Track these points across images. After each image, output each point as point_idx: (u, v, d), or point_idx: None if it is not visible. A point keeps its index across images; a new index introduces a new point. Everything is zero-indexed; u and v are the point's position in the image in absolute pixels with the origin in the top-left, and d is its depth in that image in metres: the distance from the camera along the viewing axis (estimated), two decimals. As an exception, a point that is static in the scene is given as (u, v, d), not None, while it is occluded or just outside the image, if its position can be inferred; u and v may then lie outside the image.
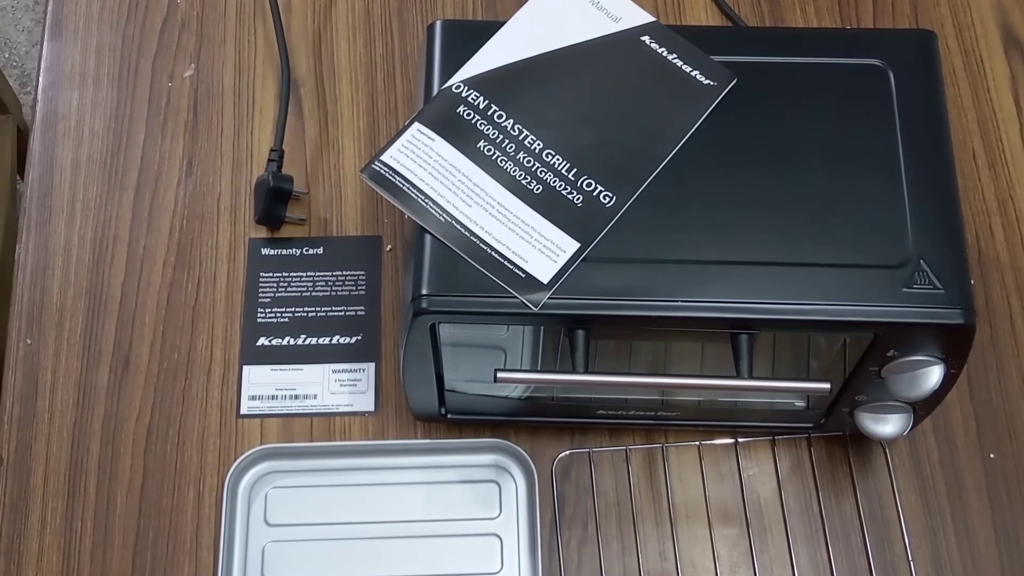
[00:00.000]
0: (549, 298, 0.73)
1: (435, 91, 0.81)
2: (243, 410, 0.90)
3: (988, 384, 0.91)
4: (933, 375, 0.76)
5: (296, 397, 0.91)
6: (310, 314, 0.93)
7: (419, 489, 0.88)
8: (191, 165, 0.99)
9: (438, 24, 0.83)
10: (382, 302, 0.94)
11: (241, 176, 0.98)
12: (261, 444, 0.89)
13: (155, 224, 0.96)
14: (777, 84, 0.80)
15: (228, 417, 0.90)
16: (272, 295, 0.94)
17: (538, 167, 0.78)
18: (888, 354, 0.76)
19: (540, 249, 0.75)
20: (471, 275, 0.74)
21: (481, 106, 0.80)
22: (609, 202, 0.76)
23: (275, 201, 0.95)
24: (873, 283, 0.73)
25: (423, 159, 0.78)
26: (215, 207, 0.97)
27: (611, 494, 0.88)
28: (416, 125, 0.80)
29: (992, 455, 0.89)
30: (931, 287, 0.73)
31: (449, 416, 0.88)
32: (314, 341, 0.93)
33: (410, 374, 0.82)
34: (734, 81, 0.80)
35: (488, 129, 0.79)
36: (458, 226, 0.76)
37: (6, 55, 1.97)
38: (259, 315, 0.93)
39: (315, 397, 0.91)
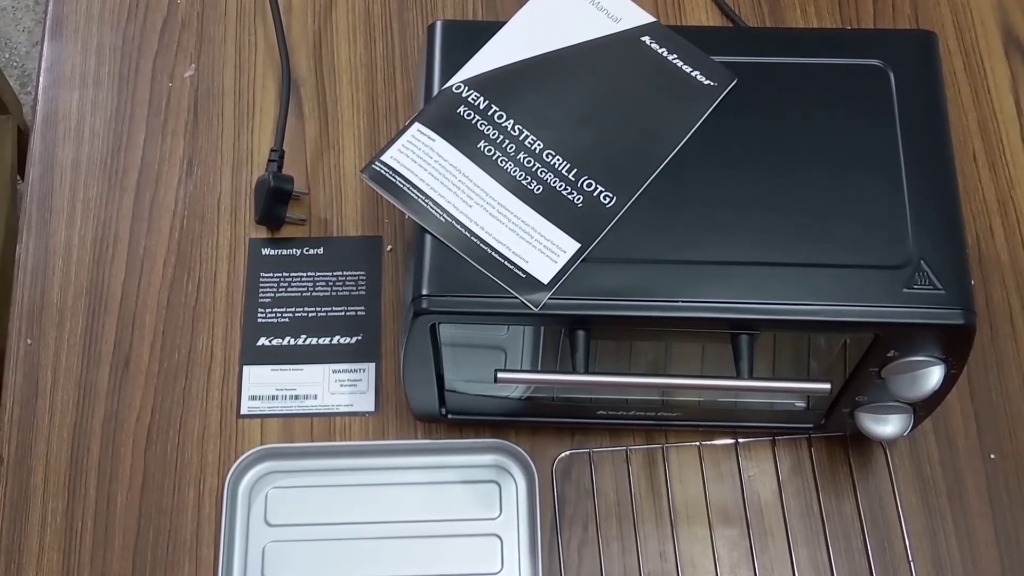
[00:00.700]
0: (549, 298, 0.73)
1: (435, 91, 0.81)
2: (243, 410, 0.90)
3: (988, 384, 0.91)
4: (933, 376, 0.76)
5: (296, 397, 0.91)
6: (310, 314, 0.93)
7: (419, 489, 0.88)
8: (191, 165, 0.99)
9: (438, 24, 0.83)
10: (382, 302, 0.94)
11: (241, 176, 0.98)
12: (261, 444, 0.89)
13: (155, 224, 0.96)
14: (777, 84, 0.80)
15: (228, 417, 0.90)
16: (272, 295, 0.94)
17: (538, 167, 0.78)
18: (888, 354, 0.76)
19: (540, 249, 0.75)
20: (471, 275, 0.74)
21: (481, 106, 0.80)
22: (609, 202, 0.76)
23: (275, 201, 0.95)
24: (873, 283, 0.73)
25: (423, 159, 0.78)
26: (215, 207, 0.97)
27: (611, 494, 0.88)
28: (416, 125, 0.80)
29: (992, 455, 0.89)
30: (931, 287, 0.73)
31: (449, 416, 0.88)
32: (314, 341, 0.93)
33: (410, 374, 0.82)
34: (734, 81, 0.80)
35: (488, 129, 0.79)
36: (458, 226, 0.76)
37: (6, 55, 1.97)
38: (259, 315, 0.93)
39: (315, 397, 0.91)
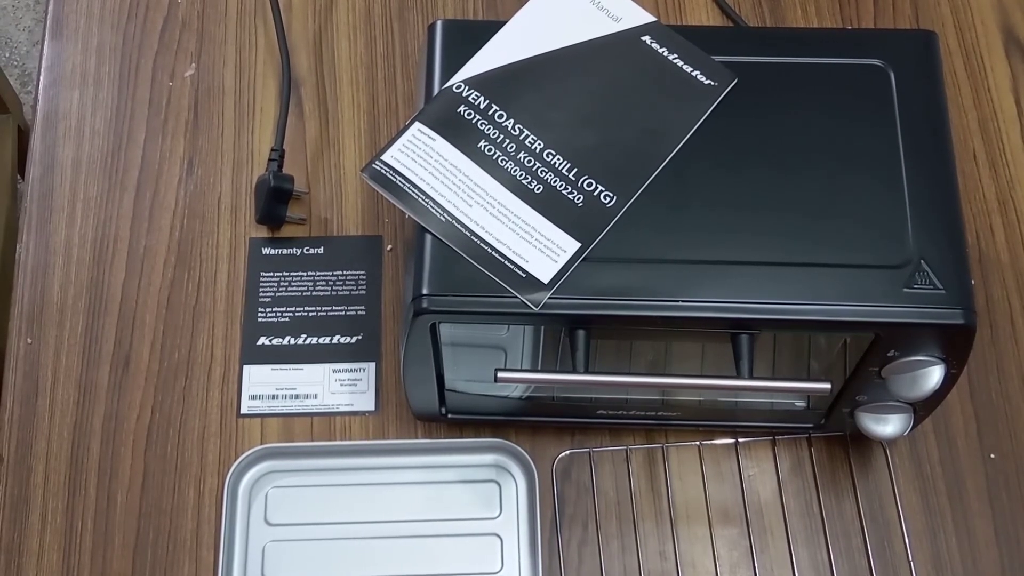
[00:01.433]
0: (549, 298, 0.73)
1: (436, 91, 0.81)
2: (243, 410, 0.90)
3: (988, 384, 0.91)
4: (933, 375, 0.76)
5: (296, 397, 0.91)
6: (310, 314, 0.93)
7: (419, 489, 0.88)
8: (192, 165, 0.99)
9: (439, 24, 0.83)
10: (382, 302, 0.94)
11: (242, 176, 0.98)
12: (261, 444, 0.89)
13: (155, 224, 0.96)
14: (777, 84, 0.80)
15: (228, 417, 0.90)
16: (272, 295, 0.94)
17: (539, 167, 0.78)
18: (888, 354, 0.76)
19: (540, 249, 0.75)
20: (471, 275, 0.74)
21: (482, 106, 0.80)
22: (610, 202, 0.76)
23: (276, 201, 0.95)
24: (873, 283, 0.73)
25: (424, 159, 0.78)
26: (215, 207, 0.97)
27: (611, 494, 0.88)
28: (417, 125, 0.80)
29: (992, 455, 0.89)
30: (931, 287, 0.73)
31: (449, 416, 0.88)
32: (314, 341, 0.93)
33: (410, 374, 0.82)
34: (735, 81, 0.80)
35: (489, 129, 0.79)
36: (459, 226, 0.76)
37: (7, 54, 1.97)
38: (259, 315, 0.93)
39: (315, 397, 0.91)
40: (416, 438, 0.90)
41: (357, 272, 0.95)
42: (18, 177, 1.50)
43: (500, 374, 0.74)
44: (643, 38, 0.82)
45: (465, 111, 0.79)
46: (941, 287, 0.73)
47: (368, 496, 0.88)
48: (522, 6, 0.84)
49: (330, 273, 0.95)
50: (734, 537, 0.87)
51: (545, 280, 0.74)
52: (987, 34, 1.04)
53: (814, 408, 0.86)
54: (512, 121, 0.79)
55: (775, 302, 0.73)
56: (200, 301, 0.94)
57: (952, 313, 0.73)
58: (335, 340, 0.93)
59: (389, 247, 0.96)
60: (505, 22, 0.83)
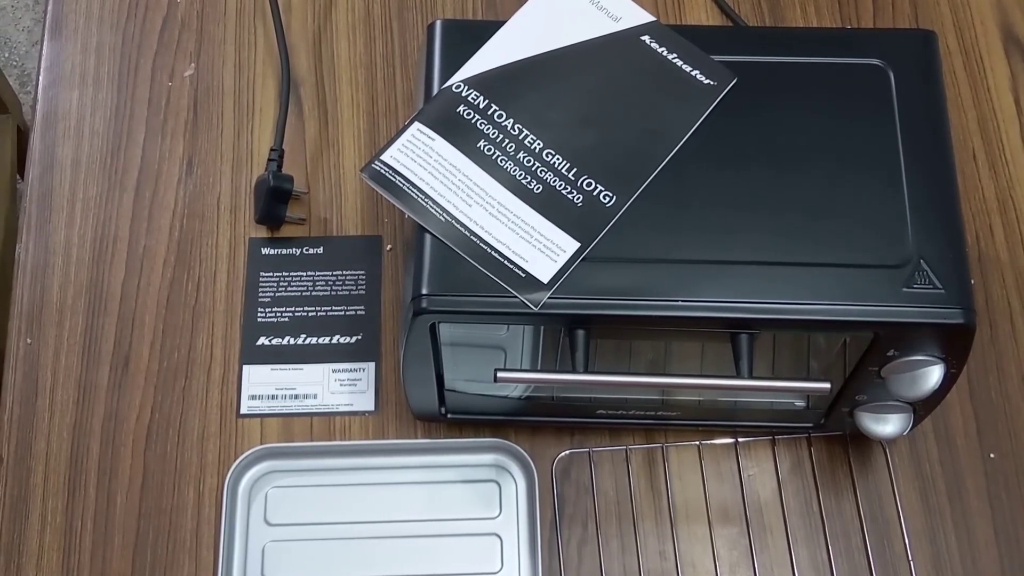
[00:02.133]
0: (549, 298, 0.73)
1: (435, 91, 0.81)
2: (243, 410, 0.90)
3: (988, 384, 0.91)
4: (933, 375, 0.76)
5: (296, 397, 0.91)
6: (310, 314, 0.93)
7: (419, 489, 0.88)
8: (191, 165, 0.99)
9: (438, 24, 0.83)
10: (382, 302, 0.94)
11: (241, 176, 0.98)
12: (261, 444, 0.89)
13: (155, 224, 0.96)
14: (777, 84, 0.80)
15: (228, 417, 0.90)
16: (272, 295, 0.94)
17: (538, 167, 0.78)
18: (888, 354, 0.76)
19: (540, 249, 0.75)
20: (471, 275, 0.74)
21: (481, 106, 0.80)
22: (609, 202, 0.76)
23: (275, 201, 0.94)
24: (873, 283, 0.73)
25: (423, 159, 0.78)
26: (215, 207, 0.97)
27: (611, 494, 0.88)
28: (416, 125, 0.80)
29: (992, 455, 0.89)
30: (931, 287, 0.73)
31: (449, 416, 0.88)
32: (314, 341, 0.93)
33: (410, 374, 0.82)
34: (734, 81, 0.80)
35: (488, 129, 0.79)
36: (458, 226, 0.76)
37: (6, 54, 1.97)
38: (259, 315, 0.93)
39: (315, 397, 0.91)
40: (416, 438, 0.90)
41: (356, 272, 0.95)
42: (18, 177, 1.50)
43: (500, 374, 0.74)
44: (642, 38, 0.82)
45: (464, 111, 0.79)
46: (941, 287, 0.73)
47: (368, 496, 0.88)
48: (521, 6, 0.83)
49: (330, 273, 0.95)
50: (734, 537, 0.87)
51: (545, 280, 0.74)
52: (986, 34, 1.04)
53: (814, 408, 0.86)
54: (511, 121, 0.79)
55: (775, 302, 0.73)
56: (200, 301, 0.94)
57: (952, 313, 0.73)
58: (335, 340, 0.93)
59: (388, 247, 0.96)
60: (504, 22, 0.83)
